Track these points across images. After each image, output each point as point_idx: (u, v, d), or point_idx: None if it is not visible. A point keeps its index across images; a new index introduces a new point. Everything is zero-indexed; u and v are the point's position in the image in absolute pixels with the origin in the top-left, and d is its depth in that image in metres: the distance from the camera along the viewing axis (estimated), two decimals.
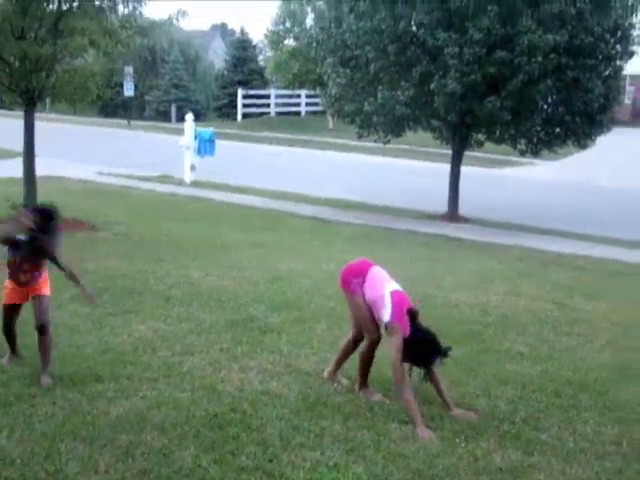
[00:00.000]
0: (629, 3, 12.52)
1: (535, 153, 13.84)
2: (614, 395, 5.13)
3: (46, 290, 4.93)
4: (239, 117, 34.00)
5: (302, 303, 6.97)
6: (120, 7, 10.89)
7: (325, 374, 5.10)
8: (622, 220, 13.86)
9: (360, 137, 14.50)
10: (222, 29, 69.27)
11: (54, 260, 4.86)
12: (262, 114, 34.66)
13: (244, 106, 34.15)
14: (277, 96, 35.28)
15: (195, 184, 15.98)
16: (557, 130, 13.15)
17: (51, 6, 10.15)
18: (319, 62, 14.55)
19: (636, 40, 12.85)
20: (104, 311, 6.30)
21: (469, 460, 4.04)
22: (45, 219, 4.75)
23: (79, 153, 20.43)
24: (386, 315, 4.58)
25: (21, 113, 10.63)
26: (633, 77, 33.12)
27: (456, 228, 12.58)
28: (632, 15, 12.67)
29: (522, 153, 14.02)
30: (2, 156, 18.12)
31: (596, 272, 9.74)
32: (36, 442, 3.95)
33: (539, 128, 13.07)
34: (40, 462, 3.75)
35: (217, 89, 39.99)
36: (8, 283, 4.94)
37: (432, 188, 15.13)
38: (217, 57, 48.56)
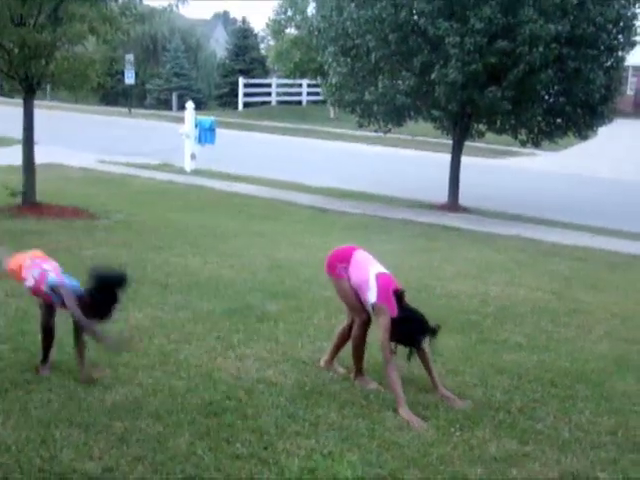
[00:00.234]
0: None
1: (536, 143, 13.80)
2: (611, 386, 5.13)
3: None
4: (240, 106, 33.93)
5: (300, 292, 6.97)
6: None
7: (322, 363, 5.10)
8: (622, 212, 13.85)
9: (360, 126, 14.47)
10: (224, 18, 69.16)
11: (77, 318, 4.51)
12: (263, 103, 34.60)
13: (245, 95, 34.07)
14: (278, 85, 35.21)
15: (195, 172, 15.97)
16: (558, 121, 13.11)
17: None
18: (320, 51, 14.49)
19: (639, 30, 12.77)
20: None
21: (464, 449, 4.04)
22: (103, 288, 4.40)
23: (79, 141, 20.40)
24: (372, 297, 4.61)
25: (21, 101, 10.60)
26: (636, 68, 33.03)
27: (456, 218, 12.56)
28: (635, 5, 12.60)
29: (523, 143, 13.99)
30: (1, 144, 18.09)
31: (596, 263, 9.73)
32: (31, 429, 3.95)
33: (540, 118, 13.03)
34: (35, 448, 3.75)
35: (218, 78, 39.94)
36: None
37: (433, 178, 15.11)
38: (219, 46, 48.47)
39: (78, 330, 4.63)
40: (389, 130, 14.24)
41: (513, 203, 14.17)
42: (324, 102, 23.90)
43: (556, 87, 12.68)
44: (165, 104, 37.27)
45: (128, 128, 25.90)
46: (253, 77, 36.02)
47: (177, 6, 11.02)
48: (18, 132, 10.78)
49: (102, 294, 4.40)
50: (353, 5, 12.59)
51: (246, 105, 34.06)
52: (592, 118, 12.95)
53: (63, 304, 4.49)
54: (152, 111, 34.52)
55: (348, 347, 5.01)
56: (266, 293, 6.84)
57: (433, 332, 4.56)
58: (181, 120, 18.09)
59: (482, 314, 6.70)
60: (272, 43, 35.74)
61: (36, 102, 10.76)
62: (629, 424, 4.50)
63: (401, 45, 12.27)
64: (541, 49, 11.51)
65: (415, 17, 12.23)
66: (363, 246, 5.08)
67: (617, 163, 20.34)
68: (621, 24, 12.41)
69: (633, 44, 12.78)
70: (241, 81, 33.92)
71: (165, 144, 19.53)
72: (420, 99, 12.83)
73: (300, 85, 34.97)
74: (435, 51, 12.05)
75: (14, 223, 9.60)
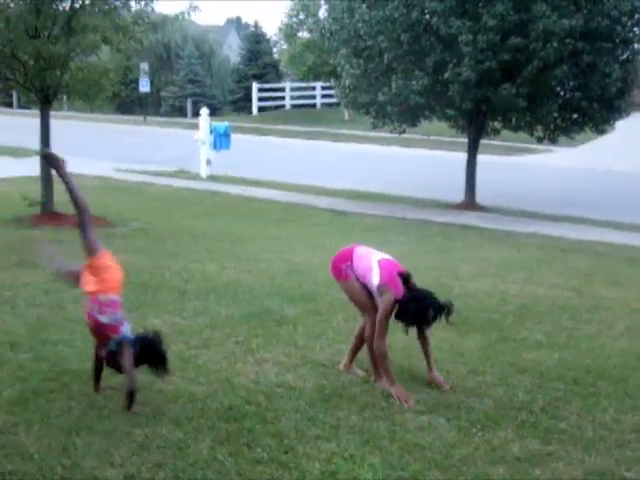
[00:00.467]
0: None
1: (552, 140, 13.71)
2: (634, 382, 5.06)
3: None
4: (254, 111, 34.01)
5: (318, 295, 6.95)
6: (132, 3, 10.96)
7: (341, 367, 5.08)
8: None
9: (375, 127, 14.46)
10: (237, 23, 69.34)
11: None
12: (277, 107, 34.65)
13: (259, 100, 34.15)
14: (292, 89, 35.24)
15: (211, 178, 16.01)
16: (574, 116, 13.02)
17: (64, 4, 10.21)
18: (332, 53, 14.49)
19: None
20: None
21: (486, 450, 4.00)
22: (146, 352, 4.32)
23: (95, 150, 20.53)
24: (375, 279, 4.65)
25: (38, 112, 10.69)
26: None
27: (473, 217, 12.50)
28: None
29: (539, 140, 13.91)
30: (20, 155, 18.26)
31: (615, 258, 9.63)
32: (53, 437, 3.97)
33: (556, 114, 12.94)
34: (57, 456, 3.77)
35: (232, 83, 40.06)
36: None
37: (449, 177, 15.03)
38: (232, 51, 48.65)
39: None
40: (404, 131, 14.20)
41: (530, 200, 14.07)
42: (338, 104, 23.92)
43: (571, 82, 12.59)
44: (180, 111, 37.46)
45: (143, 136, 26.05)
46: (267, 82, 36.11)
47: (189, 13, 11.09)
48: (36, 143, 10.87)
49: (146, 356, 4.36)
50: (364, 6, 12.59)
51: (260, 110, 34.14)
52: (609, 112, 12.84)
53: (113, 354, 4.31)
54: (167, 118, 34.70)
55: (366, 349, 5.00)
56: (284, 297, 6.84)
57: (445, 308, 4.58)
58: (196, 127, 18.14)
59: (501, 313, 6.66)
60: (285, 47, 35.81)
61: (53, 113, 10.85)
62: None
63: (413, 45, 12.24)
64: (555, 44, 11.43)
65: (427, 16, 12.20)
66: (382, 248, 5.07)
67: (635, 157, 20.12)
68: (636, 16, 12.33)
69: None
70: (255, 86, 34.02)
71: (180, 151, 19.61)
72: (434, 98, 12.78)
73: (314, 88, 34.97)
74: (448, 50, 12.01)
75: (33, 233, 9.68)
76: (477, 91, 12.00)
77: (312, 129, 28.48)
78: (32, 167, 12.44)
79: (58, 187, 11.05)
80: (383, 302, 4.59)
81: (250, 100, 34.70)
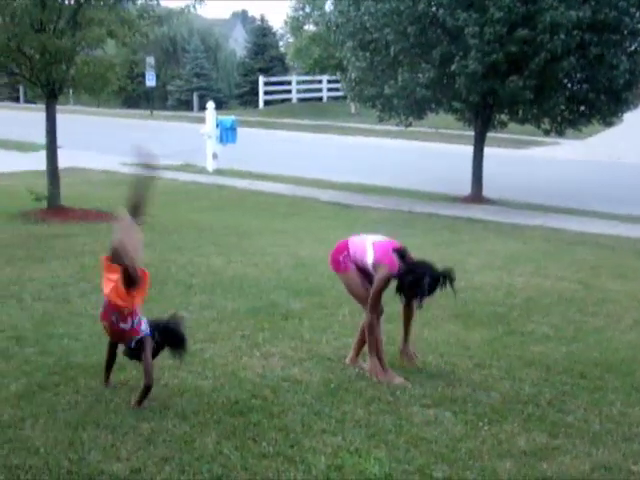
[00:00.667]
0: None
1: (559, 132, 13.64)
2: None
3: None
4: (261, 104, 33.96)
5: (324, 289, 6.94)
6: None
7: (347, 360, 5.08)
8: None
9: (381, 121, 14.41)
10: (243, 16, 69.24)
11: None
12: (284, 101, 34.59)
13: (266, 93, 34.10)
14: (298, 82, 35.17)
15: (217, 172, 16.01)
16: (582, 108, 12.94)
17: None
18: (338, 46, 14.44)
19: None
20: None
21: (493, 443, 3.99)
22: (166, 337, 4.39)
23: (102, 144, 20.54)
24: (370, 258, 4.71)
25: (44, 106, 10.69)
26: None
27: (480, 210, 12.45)
28: None
29: (546, 133, 13.84)
30: (27, 149, 18.30)
31: (622, 251, 9.58)
32: (59, 431, 3.97)
33: (563, 107, 12.86)
34: (63, 450, 3.78)
35: (238, 77, 40.01)
36: None
37: (455, 170, 14.98)
38: (238, 45, 48.56)
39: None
40: (410, 124, 14.15)
41: (537, 193, 14.01)
42: (345, 98, 23.82)
43: (578, 74, 12.51)
44: (186, 105, 37.42)
45: (150, 130, 26.02)
46: (273, 75, 36.04)
47: (195, 7, 11.07)
48: (42, 137, 10.88)
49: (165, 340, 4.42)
50: None
51: (267, 103, 34.08)
52: (616, 104, 12.75)
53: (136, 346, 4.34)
54: (173, 112, 34.69)
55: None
56: (290, 291, 6.83)
57: (446, 276, 4.60)
58: (202, 120, 18.13)
59: (508, 306, 6.63)
60: (291, 40, 35.71)
61: (59, 107, 10.85)
62: None
63: (420, 37, 12.18)
64: (562, 36, 11.36)
65: (433, 8, 12.13)
66: None
67: None
68: None
69: None
70: (261, 79, 33.96)
71: (187, 145, 19.59)
72: (441, 91, 12.73)
73: (320, 81, 34.89)
74: (454, 42, 11.95)
75: (40, 227, 9.70)
76: (484, 83, 11.94)
77: (318, 122, 28.43)
78: (38, 161, 12.47)
79: (64, 181, 11.11)
80: (378, 277, 4.66)
81: (256, 94, 34.64)
